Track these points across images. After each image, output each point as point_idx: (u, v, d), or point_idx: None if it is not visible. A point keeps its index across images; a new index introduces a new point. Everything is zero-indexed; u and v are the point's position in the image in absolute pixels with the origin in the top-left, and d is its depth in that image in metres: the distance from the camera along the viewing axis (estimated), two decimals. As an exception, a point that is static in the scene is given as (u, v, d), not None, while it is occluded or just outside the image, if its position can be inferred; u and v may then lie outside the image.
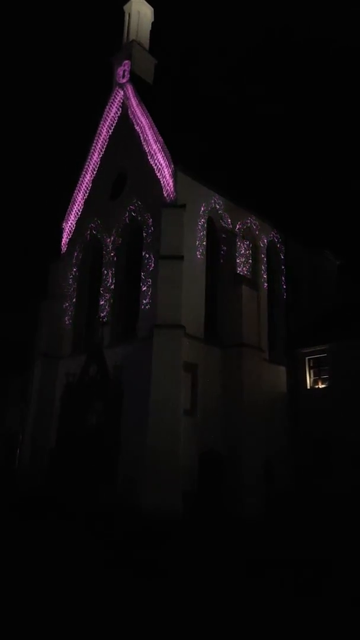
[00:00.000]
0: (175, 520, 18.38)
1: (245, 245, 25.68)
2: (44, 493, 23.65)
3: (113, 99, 29.29)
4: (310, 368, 26.10)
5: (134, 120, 27.35)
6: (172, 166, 23.91)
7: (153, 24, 33.13)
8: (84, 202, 29.67)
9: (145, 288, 23.75)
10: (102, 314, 25.42)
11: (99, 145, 29.58)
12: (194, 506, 20.10)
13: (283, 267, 28.80)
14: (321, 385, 25.57)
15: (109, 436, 22.38)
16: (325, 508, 21.74)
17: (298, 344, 26.62)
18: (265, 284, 27.46)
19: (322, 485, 23.06)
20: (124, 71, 29.33)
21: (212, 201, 25.27)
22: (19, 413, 28.25)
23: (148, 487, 19.51)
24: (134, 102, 27.74)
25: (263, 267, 27.56)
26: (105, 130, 29.45)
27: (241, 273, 24.86)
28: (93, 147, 29.75)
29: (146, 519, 18.16)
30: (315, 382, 25.94)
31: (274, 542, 15.54)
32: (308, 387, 25.92)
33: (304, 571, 10.68)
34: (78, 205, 29.93)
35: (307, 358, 26.16)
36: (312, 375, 26.04)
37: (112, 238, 26.66)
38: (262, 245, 27.79)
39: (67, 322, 27.93)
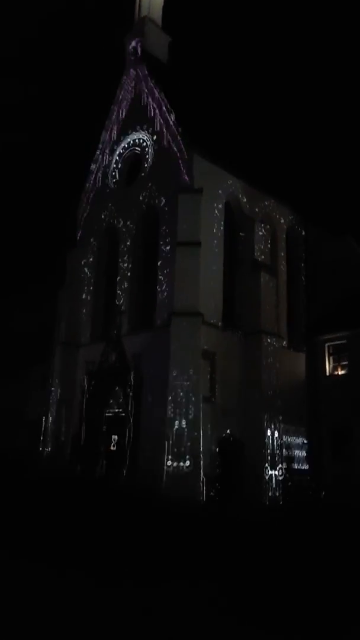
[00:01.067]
0: (195, 504, 18.55)
1: (264, 231, 25.26)
2: (66, 477, 24.05)
3: (126, 80, 28.66)
4: (329, 355, 25.77)
5: (147, 102, 26.77)
6: (188, 149, 23.42)
7: (165, -1, 32.04)
8: (99, 188, 29.37)
9: (162, 275, 23.58)
10: (119, 302, 25.36)
11: (112, 129, 29.08)
12: (214, 491, 20.26)
13: (303, 253, 28.27)
14: (341, 372, 25.27)
15: (129, 422, 22.56)
16: (344, 495, 21.71)
17: (318, 331, 26.26)
18: (285, 270, 27.03)
19: (342, 471, 22.97)
20: (137, 50, 28.61)
21: (230, 185, 24.79)
22: (41, 400, 28.58)
23: (169, 472, 19.69)
24: (147, 82, 27.12)
25: (282, 253, 27.10)
26: (118, 113, 28.90)
27: (260, 259, 24.52)
28: (106, 131, 29.29)
29: (166, 503, 18.36)
30: (334, 368, 25.64)
31: (291, 529, 15.56)
32: (327, 374, 25.63)
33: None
34: (93, 191, 29.65)
35: (326, 345, 25.81)
36: (331, 362, 25.73)
37: (128, 225, 26.42)
38: (281, 230, 27.27)
39: (85, 311, 27.97)
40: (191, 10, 64.02)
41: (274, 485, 21.73)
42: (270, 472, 21.72)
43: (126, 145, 27.98)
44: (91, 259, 28.56)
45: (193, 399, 20.32)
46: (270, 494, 21.47)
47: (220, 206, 24.17)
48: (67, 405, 26.50)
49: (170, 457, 19.95)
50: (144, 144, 26.54)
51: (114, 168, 28.55)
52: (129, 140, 27.84)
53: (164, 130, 25.15)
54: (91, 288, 28.12)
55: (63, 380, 26.88)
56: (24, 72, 68.07)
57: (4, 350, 39.61)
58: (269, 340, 23.06)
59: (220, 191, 24.23)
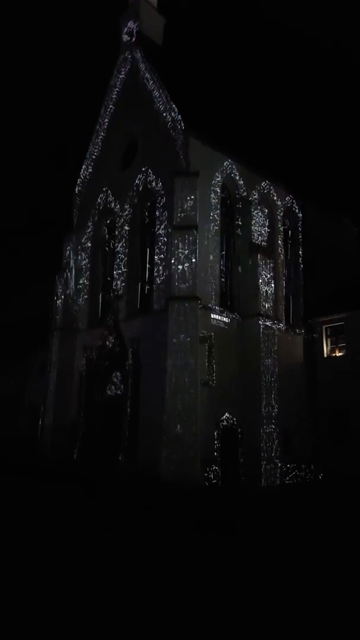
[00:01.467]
0: (193, 487, 18.67)
1: (261, 213, 25.10)
2: (65, 462, 24.23)
3: (121, 63, 28.31)
4: (327, 337, 25.85)
5: (143, 84, 26.47)
6: (184, 132, 23.20)
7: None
8: (95, 173, 29.13)
9: (159, 259, 23.48)
10: (117, 287, 25.29)
11: (108, 112, 28.78)
12: (212, 475, 20.40)
13: (300, 235, 28.14)
14: (339, 354, 25.36)
15: (128, 407, 22.63)
16: (343, 476, 21.88)
17: (315, 313, 26.30)
18: (282, 252, 26.94)
19: (340, 453, 23.14)
20: (132, 32, 28.21)
21: (227, 167, 24.59)
22: (39, 386, 28.64)
23: (167, 456, 19.78)
24: (142, 64, 26.78)
25: (280, 235, 26.99)
26: (113, 96, 28.60)
27: (257, 242, 24.39)
28: (101, 115, 28.98)
29: (165, 486, 18.49)
30: (332, 350, 25.73)
31: (285, 511, 15.70)
32: (325, 355, 25.74)
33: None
34: (89, 175, 29.42)
35: (324, 327, 25.89)
36: (329, 344, 25.82)
37: (124, 209, 26.24)
38: (278, 212, 27.12)
39: (82, 296, 27.91)
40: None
41: (272, 468, 21.86)
42: (268, 455, 21.82)
43: (122, 128, 27.69)
44: (88, 244, 28.42)
45: (191, 383, 20.33)
46: (268, 476, 21.62)
47: (217, 189, 24.00)
48: (66, 391, 26.58)
49: (168, 441, 19.99)
50: (140, 127, 26.25)
51: (110, 152, 28.27)
52: (125, 123, 27.53)
53: (160, 113, 24.87)
54: (88, 273, 28.03)
55: (61, 366, 26.92)
56: (19, 54, 67.10)
57: (1, 337, 39.60)
58: (267, 323, 23.06)
59: (216, 174, 24.05)
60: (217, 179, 24.07)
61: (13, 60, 65.94)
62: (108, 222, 28.13)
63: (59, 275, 28.68)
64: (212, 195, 23.68)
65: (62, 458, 25.00)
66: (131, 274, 25.38)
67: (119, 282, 25.43)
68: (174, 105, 24.08)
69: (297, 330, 26.42)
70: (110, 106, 28.70)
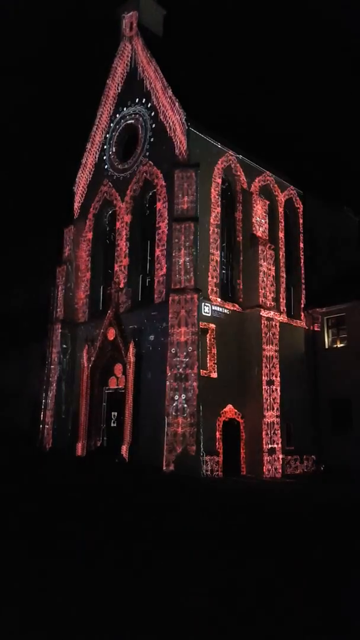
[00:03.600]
0: (194, 479, 18.77)
1: (261, 204, 25.04)
2: (66, 454, 24.34)
3: (121, 54, 28.19)
4: (328, 328, 25.90)
5: (143, 76, 26.37)
6: (184, 123, 23.13)
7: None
8: (95, 164, 29.07)
9: (160, 251, 23.46)
10: (117, 279, 25.30)
11: (108, 104, 28.68)
12: (214, 466, 20.50)
13: (301, 226, 28.11)
14: (339, 345, 25.39)
15: (129, 399, 22.69)
16: (344, 466, 21.97)
17: (316, 304, 26.33)
18: (283, 243, 26.91)
19: (342, 443, 23.22)
20: (131, 23, 28.08)
21: (227, 159, 24.51)
22: (41, 378, 28.70)
23: (169, 448, 19.86)
24: (142, 56, 26.67)
25: (280, 226, 26.94)
26: (113, 88, 28.48)
27: (258, 233, 24.35)
28: (101, 106, 28.88)
29: (166, 479, 18.58)
30: (333, 341, 25.77)
31: (285, 502, 15.76)
32: (327, 346, 25.78)
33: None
34: (89, 167, 29.35)
35: (325, 318, 25.92)
36: (330, 335, 25.86)
37: (124, 200, 26.19)
38: (279, 203, 27.06)
39: (83, 288, 27.91)
40: (186, -18, 62.53)
41: (274, 459, 21.94)
42: (270, 446, 21.90)
43: (122, 120, 27.61)
44: (88, 236, 28.39)
45: (192, 374, 20.37)
46: (270, 467, 21.70)
47: (217, 180, 23.94)
48: (67, 383, 26.66)
49: (170, 433, 20.08)
50: (140, 119, 26.18)
51: (110, 143, 28.21)
52: (125, 115, 27.45)
53: (160, 104, 24.80)
54: (88, 265, 28.02)
55: (62, 358, 26.97)
56: (18, 47, 66.73)
57: (3, 328, 39.63)
58: (267, 315, 23.06)
59: (217, 165, 23.98)
60: (218, 171, 24.00)
61: (12, 51, 65.62)
62: (108, 214, 28.09)
63: (59, 267, 28.67)
64: (213, 187, 23.62)
65: (63, 450, 25.12)
66: (132, 266, 25.36)
67: (119, 274, 25.43)
68: (174, 97, 23.98)
69: (298, 321, 26.43)
70: (110, 97, 28.58)
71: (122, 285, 24.96)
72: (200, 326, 20.97)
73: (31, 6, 66.84)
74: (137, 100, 26.56)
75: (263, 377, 22.23)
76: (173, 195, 22.27)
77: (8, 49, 64.65)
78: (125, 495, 15.09)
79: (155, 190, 24.63)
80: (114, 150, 27.83)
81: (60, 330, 27.22)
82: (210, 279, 22.54)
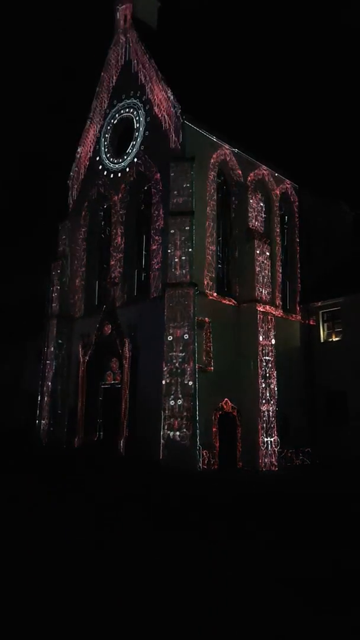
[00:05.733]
0: (191, 473, 18.84)
1: (257, 198, 25.01)
2: (63, 449, 24.37)
3: (115, 47, 28.01)
4: (324, 321, 25.99)
5: (137, 69, 26.21)
6: (179, 116, 23.02)
7: None
8: (89, 158, 28.92)
9: (155, 246, 23.42)
10: (113, 274, 25.24)
11: (102, 97, 28.51)
12: (210, 460, 20.56)
13: (297, 220, 28.10)
14: (335, 339, 25.48)
15: (126, 393, 22.71)
16: (338, 458, 22.09)
17: (312, 298, 26.39)
18: (279, 237, 26.91)
19: (338, 436, 23.35)
20: (126, 16, 27.88)
21: (222, 152, 24.44)
22: (37, 374, 28.65)
23: (165, 442, 19.90)
24: (137, 49, 26.49)
25: (276, 220, 26.93)
26: (107, 81, 28.31)
27: (254, 227, 24.33)
28: (95, 99, 28.71)
29: (163, 472, 18.64)
30: (329, 335, 25.86)
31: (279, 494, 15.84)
32: (322, 340, 25.86)
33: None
34: (83, 161, 29.20)
35: (321, 312, 26.00)
36: (326, 329, 25.96)
37: (119, 195, 26.09)
38: (275, 197, 27.04)
39: (78, 283, 27.84)
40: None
41: (269, 452, 22.05)
42: (266, 439, 22.00)
43: (117, 114, 27.45)
44: (83, 230, 28.28)
45: (188, 369, 20.39)
46: (266, 460, 21.81)
47: (212, 174, 23.87)
48: (63, 379, 26.64)
49: (166, 427, 20.12)
50: (135, 112, 26.03)
51: (104, 137, 28.05)
52: (119, 108, 27.30)
53: (155, 98, 24.67)
54: (84, 260, 27.92)
55: (58, 354, 26.94)
56: (12, 38, 66.12)
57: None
58: (263, 309, 23.09)
59: (212, 159, 23.91)
60: (213, 164, 23.94)
61: (6, 45, 65.04)
62: (104, 208, 27.99)
63: (55, 262, 28.57)
64: (208, 181, 23.55)
65: (60, 445, 25.15)
66: (127, 260, 25.30)
67: (115, 269, 25.37)
68: (169, 90, 23.86)
69: (294, 315, 26.48)
70: (104, 90, 28.41)
71: (117, 280, 24.90)
72: (196, 320, 20.97)
73: (24, -2, 66.17)
74: (131, 93, 26.41)
75: (259, 371, 22.29)
76: (168, 189, 22.21)
77: (1, 40, 64.07)
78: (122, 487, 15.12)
79: (150, 184, 24.54)
80: (108, 143, 27.69)
81: (56, 326, 27.17)
82: (206, 273, 22.52)
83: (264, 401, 22.20)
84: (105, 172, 27.34)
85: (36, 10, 66.73)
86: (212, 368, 21.76)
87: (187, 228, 21.49)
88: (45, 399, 26.75)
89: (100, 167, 27.83)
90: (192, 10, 59.95)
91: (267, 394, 22.41)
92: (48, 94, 66.94)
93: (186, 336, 20.58)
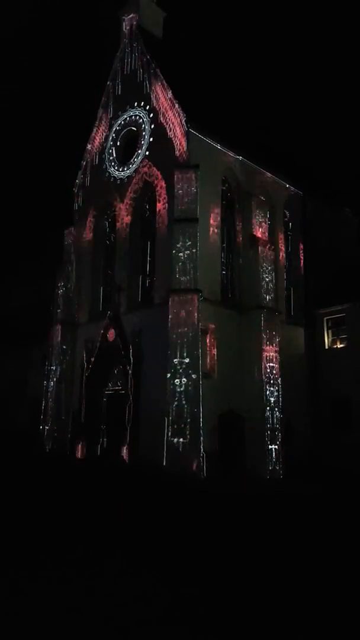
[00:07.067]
0: (195, 480, 18.77)
1: (261, 205, 25.07)
2: (66, 456, 24.35)
3: (121, 56, 28.30)
4: (328, 328, 25.95)
5: (143, 78, 26.44)
6: (184, 124, 23.18)
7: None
8: (95, 166, 29.13)
9: (160, 252, 23.50)
10: (117, 280, 25.33)
11: (108, 105, 28.77)
12: (215, 466, 20.47)
13: (301, 226, 28.15)
14: (340, 345, 25.43)
15: (129, 399, 22.72)
16: (345, 465, 21.98)
17: (316, 305, 26.37)
18: (283, 244, 26.96)
19: (342, 443, 23.24)
20: (132, 25, 28.20)
21: (227, 160, 24.56)
22: (41, 378, 28.74)
23: (169, 449, 19.86)
24: (142, 58, 26.76)
25: (280, 227, 27.00)
26: (113, 89, 28.59)
27: (258, 234, 24.38)
28: (101, 108, 28.98)
29: (167, 479, 18.58)
30: (333, 342, 25.81)
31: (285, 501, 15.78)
32: (327, 347, 25.82)
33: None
34: (89, 168, 29.42)
35: (325, 318, 25.98)
36: (330, 336, 25.91)
37: (124, 202, 26.24)
38: (279, 204, 27.10)
39: (83, 289, 27.94)
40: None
41: (274, 459, 21.93)
42: (271, 446, 21.90)
43: (122, 122, 27.67)
44: (89, 237, 28.44)
45: (193, 375, 20.36)
46: (271, 467, 21.68)
47: (217, 181, 23.99)
48: (67, 384, 26.69)
49: (170, 433, 20.06)
50: (140, 120, 26.24)
51: (110, 145, 28.26)
52: (125, 116, 27.52)
53: (160, 106, 24.86)
54: (89, 266, 28.06)
55: (62, 359, 27.01)
56: (19, 48, 66.84)
57: (3, 329, 39.68)
58: (268, 315, 23.06)
59: (217, 167, 24.03)
60: (218, 172, 24.06)
61: (13, 54, 65.75)
62: (109, 214, 28.15)
63: (60, 268, 28.72)
64: (213, 188, 23.66)
65: (63, 451, 25.13)
66: (132, 266, 25.41)
67: (119, 275, 25.46)
68: (174, 98, 24.05)
69: (298, 322, 26.46)
70: (110, 99, 28.67)
71: (122, 286, 24.98)
72: (201, 327, 20.98)
73: (33, 8, 66.96)
74: (137, 101, 26.62)
75: (263, 378, 22.23)
76: (173, 197, 22.30)
77: (9, 50, 64.77)
78: (129, 496, 15.09)
79: (155, 191, 24.68)
80: (114, 151, 27.89)
81: (60, 331, 27.28)
82: (210, 279, 22.55)
83: (268, 408, 22.11)
84: (110, 179, 27.53)
85: (43, 20, 67.44)
86: (216, 374, 21.73)
87: (192, 234, 21.54)
88: (49, 404, 26.79)
89: (106, 174, 28.02)
90: (197, 19, 60.52)
91: (272, 401, 22.32)
92: (54, 102, 67.54)
93: (190, 342, 20.58)
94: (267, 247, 24.25)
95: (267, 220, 25.25)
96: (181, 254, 21.42)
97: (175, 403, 20.23)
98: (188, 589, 6.97)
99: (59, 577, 7.21)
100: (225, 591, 7.00)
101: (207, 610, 6.26)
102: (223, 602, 6.57)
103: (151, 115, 25.38)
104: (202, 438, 19.96)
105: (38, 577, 7.24)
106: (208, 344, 21.87)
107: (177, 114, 23.65)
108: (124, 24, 28.70)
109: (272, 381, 22.50)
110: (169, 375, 20.50)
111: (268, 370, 22.45)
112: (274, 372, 22.67)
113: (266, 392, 22.18)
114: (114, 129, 28.19)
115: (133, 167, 26.03)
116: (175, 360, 20.54)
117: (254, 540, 9.97)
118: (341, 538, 10.47)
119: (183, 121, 23.25)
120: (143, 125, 25.97)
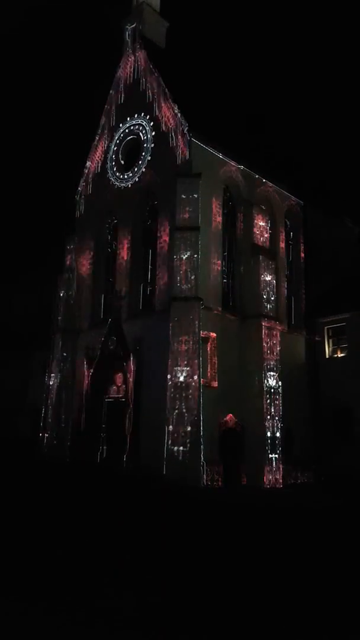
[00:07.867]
0: (195, 489, 18.70)
1: (263, 214, 25.17)
2: (67, 462, 24.24)
3: (124, 65, 28.51)
4: (329, 337, 25.93)
5: (145, 87, 26.62)
6: (186, 133, 23.32)
7: (163, -17, 31.72)
8: (97, 174, 29.25)
9: (161, 260, 23.55)
10: (118, 288, 25.36)
11: (110, 114, 28.94)
12: (214, 475, 20.41)
13: (302, 236, 28.23)
14: (340, 355, 25.41)
15: (130, 407, 22.67)
16: (346, 474, 21.90)
17: (317, 314, 26.38)
18: (284, 253, 27.03)
19: (343, 453, 23.16)
20: (135, 35, 28.41)
21: (229, 169, 24.68)
22: (42, 386, 28.69)
23: (169, 457, 19.79)
24: (145, 67, 26.96)
25: (281, 236, 27.08)
26: (116, 98, 28.76)
27: (259, 242, 24.45)
28: (104, 116, 29.14)
29: (166, 489, 18.49)
30: (334, 351, 25.79)
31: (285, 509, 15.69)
32: (327, 356, 25.79)
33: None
34: (91, 177, 29.54)
35: (326, 327, 25.97)
36: (331, 345, 25.89)
37: (126, 210, 26.33)
38: (280, 213, 27.21)
39: (84, 296, 27.96)
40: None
41: (274, 468, 21.85)
42: (270, 456, 21.82)
43: (125, 131, 27.82)
44: (90, 244, 28.50)
45: (193, 383, 20.35)
46: (271, 476, 21.61)
47: (219, 190, 24.09)
48: (68, 391, 26.61)
49: (170, 442, 20.01)
50: (143, 129, 26.39)
51: (112, 153, 28.40)
52: (127, 125, 27.66)
53: (163, 115, 25.02)
54: (90, 274, 28.10)
55: (63, 367, 26.95)
56: (22, 55, 67.37)
57: (4, 336, 39.68)
58: (268, 324, 23.07)
59: (219, 176, 24.14)
60: (219, 181, 24.17)
61: (16, 63, 66.25)
62: (110, 222, 28.24)
63: (61, 276, 28.76)
64: (214, 197, 23.76)
65: (63, 459, 25.01)
66: (133, 274, 25.45)
67: (120, 283, 25.50)
68: (176, 107, 24.22)
69: (299, 331, 26.46)
70: (113, 107, 28.84)
71: (123, 294, 25.01)
72: (201, 335, 20.97)
73: (36, 17, 67.54)
74: (139, 110, 26.78)
75: (264, 387, 22.20)
76: (174, 205, 22.38)
77: (12, 59, 65.26)
78: (128, 505, 15.02)
79: (156, 199, 24.77)
80: (116, 159, 28.02)
81: (61, 339, 27.25)
82: (211, 287, 22.61)
83: (268, 417, 22.06)
84: (112, 188, 27.63)
85: (47, 29, 68.05)
86: (217, 383, 21.71)
87: (193, 243, 21.60)
88: (50, 411, 26.71)
89: (107, 182, 28.13)
90: (199, 30, 61.02)
91: (272, 410, 22.28)
92: (57, 110, 67.95)
93: (191, 351, 20.57)
94: (268, 255, 24.31)
95: (268, 229, 25.33)
96: (182, 262, 21.46)
97: (176, 411, 20.19)
98: (188, 601, 6.92)
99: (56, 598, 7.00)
100: (224, 605, 6.95)
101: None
102: (224, 618, 6.52)
103: (153, 124, 25.52)
104: (202, 446, 19.90)
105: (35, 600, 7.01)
106: (209, 352, 21.86)
107: (179, 123, 23.80)
108: (127, 33, 28.92)
109: (272, 390, 22.47)
110: (169, 383, 20.47)
111: (268, 379, 22.43)
112: (275, 381, 22.65)
113: (267, 401, 22.14)
114: (116, 138, 28.33)
115: (135, 175, 26.15)
116: (175, 368, 20.52)
117: (252, 549, 9.91)
118: (339, 546, 10.41)
119: (185, 130, 23.40)
120: (145, 134, 26.11)
